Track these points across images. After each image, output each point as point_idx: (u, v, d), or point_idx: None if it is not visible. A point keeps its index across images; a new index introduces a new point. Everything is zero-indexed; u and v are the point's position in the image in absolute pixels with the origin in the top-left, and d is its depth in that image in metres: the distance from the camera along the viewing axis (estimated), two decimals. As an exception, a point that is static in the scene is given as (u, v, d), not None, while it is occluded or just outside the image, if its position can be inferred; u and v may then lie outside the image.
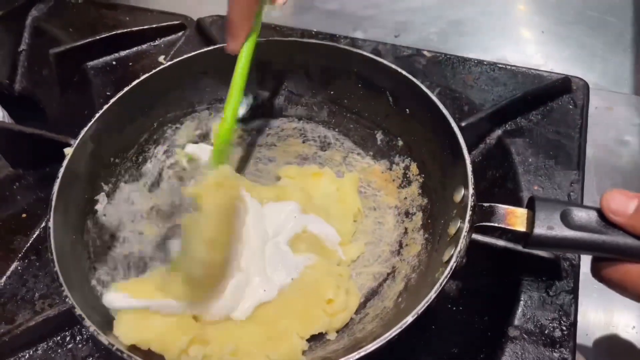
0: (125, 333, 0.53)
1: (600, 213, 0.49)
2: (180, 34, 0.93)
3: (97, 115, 0.64)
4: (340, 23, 0.75)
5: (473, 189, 0.55)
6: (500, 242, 0.63)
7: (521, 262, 0.63)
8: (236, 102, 0.63)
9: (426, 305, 0.49)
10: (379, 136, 0.74)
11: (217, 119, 0.76)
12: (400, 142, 0.72)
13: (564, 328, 0.59)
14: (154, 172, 0.72)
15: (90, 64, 0.89)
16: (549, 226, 0.50)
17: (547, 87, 0.80)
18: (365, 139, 0.75)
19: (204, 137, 0.76)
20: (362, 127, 0.75)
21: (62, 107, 0.87)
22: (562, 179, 0.71)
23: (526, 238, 0.51)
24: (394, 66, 0.67)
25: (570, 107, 0.79)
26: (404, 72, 0.66)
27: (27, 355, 0.60)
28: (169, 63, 0.71)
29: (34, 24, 0.96)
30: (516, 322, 0.60)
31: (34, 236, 0.68)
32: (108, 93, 0.85)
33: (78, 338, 0.61)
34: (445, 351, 0.60)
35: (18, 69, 0.90)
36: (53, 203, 0.57)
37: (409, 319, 0.49)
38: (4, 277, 0.65)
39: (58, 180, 0.58)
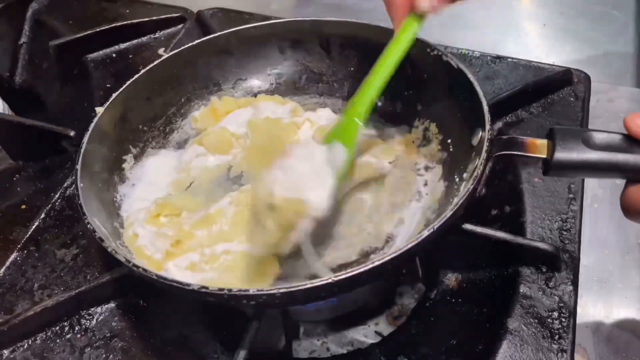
0: None
1: (624, 136, 0.47)
2: (180, 26, 0.93)
3: (128, 82, 0.68)
4: (340, 16, 0.75)
5: (490, 125, 0.56)
6: (500, 234, 0.63)
7: (520, 254, 0.63)
8: (373, 97, 0.63)
9: (443, 220, 0.50)
10: (399, 104, 0.75)
11: (241, 98, 0.80)
12: (420, 107, 0.73)
13: (563, 320, 0.59)
14: (180, 141, 0.76)
15: (90, 56, 0.89)
16: (570, 149, 0.48)
17: (548, 79, 0.79)
18: (385, 108, 0.76)
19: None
20: (383, 98, 0.75)
21: (62, 99, 0.88)
22: (562, 172, 0.70)
23: (547, 164, 0.50)
24: None
25: (572, 99, 0.79)
26: (420, 39, 0.68)
27: (26, 344, 0.60)
28: (197, 42, 0.75)
29: (35, 17, 0.96)
30: (515, 314, 0.60)
31: (33, 227, 0.68)
32: (108, 85, 0.85)
33: (77, 328, 0.61)
34: (444, 343, 0.60)
35: (18, 62, 0.90)
36: (81, 156, 0.60)
37: (425, 232, 0.49)
38: (3, 267, 0.65)
39: (88, 134, 0.63)
